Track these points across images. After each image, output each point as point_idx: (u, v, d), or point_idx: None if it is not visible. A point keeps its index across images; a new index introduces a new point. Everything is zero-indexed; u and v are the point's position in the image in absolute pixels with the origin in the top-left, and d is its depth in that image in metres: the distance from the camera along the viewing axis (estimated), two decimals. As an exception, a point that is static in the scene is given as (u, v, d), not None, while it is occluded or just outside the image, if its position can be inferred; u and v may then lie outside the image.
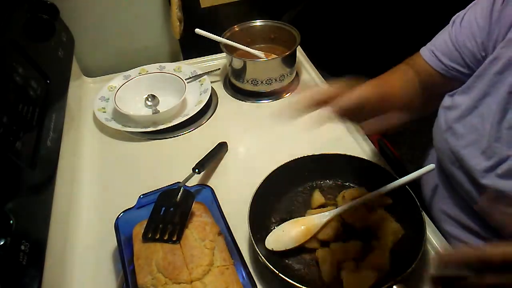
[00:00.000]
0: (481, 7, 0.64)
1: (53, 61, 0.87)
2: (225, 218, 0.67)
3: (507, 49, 0.58)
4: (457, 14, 0.69)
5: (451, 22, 0.70)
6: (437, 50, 0.71)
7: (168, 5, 1.10)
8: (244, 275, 0.60)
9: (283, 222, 0.69)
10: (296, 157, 0.75)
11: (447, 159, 0.74)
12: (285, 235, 0.66)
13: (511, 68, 0.58)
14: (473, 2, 0.68)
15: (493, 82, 0.60)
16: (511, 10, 0.59)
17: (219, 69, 1.13)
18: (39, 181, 0.64)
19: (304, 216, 0.70)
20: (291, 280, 0.57)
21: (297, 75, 1.10)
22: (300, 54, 1.16)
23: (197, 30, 0.98)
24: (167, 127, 0.92)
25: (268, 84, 1.01)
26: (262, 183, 0.71)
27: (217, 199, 0.70)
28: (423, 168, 0.66)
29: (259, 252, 0.62)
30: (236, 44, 1.02)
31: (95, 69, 1.16)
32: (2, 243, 0.50)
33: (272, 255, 0.65)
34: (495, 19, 0.61)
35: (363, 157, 0.76)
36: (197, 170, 0.76)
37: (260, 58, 1.03)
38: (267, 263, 0.60)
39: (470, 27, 0.65)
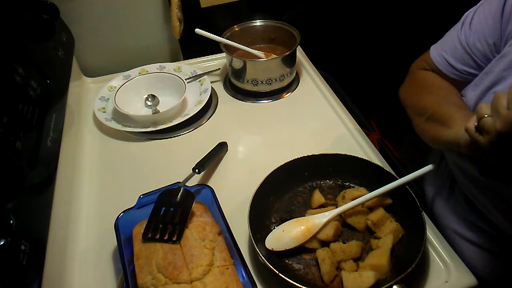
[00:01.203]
0: (490, 7, 0.63)
1: (53, 61, 0.87)
2: (225, 218, 0.67)
3: None
4: (466, 13, 0.68)
5: (460, 22, 0.69)
6: (448, 55, 0.70)
7: (168, 5, 1.10)
8: (244, 275, 0.60)
9: (283, 222, 0.69)
10: (296, 157, 0.75)
11: (453, 157, 0.74)
12: (285, 235, 0.66)
13: None
14: (481, 2, 0.67)
15: (500, 77, 0.60)
16: None
17: (219, 69, 1.13)
18: (39, 181, 0.64)
19: (304, 216, 0.70)
20: (291, 280, 0.57)
21: (297, 75, 1.10)
22: (300, 54, 1.16)
23: (197, 30, 0.98)
24: (167, 127, 0.92)
25: (268, 84, 1.01)
26: (262, 183, 0.71)
27: (217, 199, 0.70)
28: (423, 168, 0.66)
29: (259, 252, 0.62)
30: (236, 44, 1.02)
31: (95, 69, 1.16)
32: (2, 243, 0.50)
33: (272, 255, 0.65)
34: (506, 18, 0.60)
35: (363, 157, 0.76)
36: (197, 170, 0.76)
37: (260, 58, 1.03)
38: (267, 263, 0.60)
39: (481, 28, 0.64)
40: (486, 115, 0.47)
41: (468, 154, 0.55)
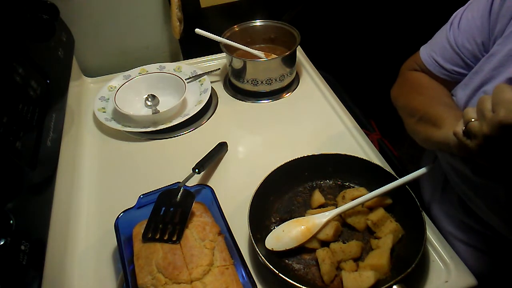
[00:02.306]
0: (478, 7, 0.64)
1: (53, 61, 0.87)
2: (225, 218, 0.67)
3: (504, 46, 0.58)
4: (454, 13, 0.69)
5: (449, 23, 0.69)
6: (437, 56, 0.70)
7: (168, 5, 1.10)
8: (244, 275, 0.60)
9: (283, 222, 0.69)
10: (296, 157, 0.75)
11: (446, 157, 0.74)
12: (285, 235, 0.66)
13: (508, 63, 0.58)
14: (469, 1, 0.67)
15: (490, 76, 0.60)
16: (509, 8, 0.59)
17: (219, 69, 1.13)
18: (39, 181, 0.64)
19: (304, 216, 0.70)
20: (291, 280, 0.57)
21: (297, 75, 1.10)
22: (300, 54, 1.16)
23: (197, 30, 0.98)
24: (167, 127, 0.92)
25: (268, 84, 1.01)
26: (262, 183, 0.71)
27: (217, 199, 0.70)
28: (417, 171, 0.66)
29: (259, 252, 0.62)
30: (236, 44, 1.02)
31: (95, 69, 1.16)
32: (2, 243, 0.50)
33: (272, 255, 0.65)
34: (494, 18, 0.61)
35: (363, 157, 0.76)
36: (197, 170, 0.76)
37: (260, 58, 1.03)
38: (267, 263, 0.60)
39: (469, 28, 0.65)
40: (472, 119, 0.47)
41: (458, 155, 0.55)
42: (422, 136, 0.65)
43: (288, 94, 1.05)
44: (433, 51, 0.71)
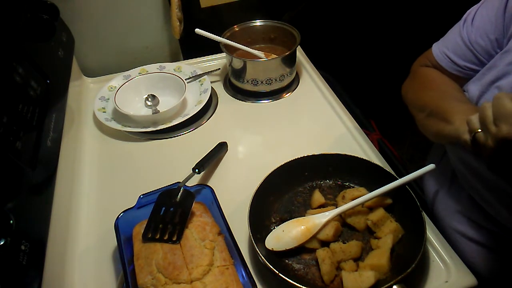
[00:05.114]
0: (493, 5, 0.65)
1: (53, 61, 0.87)
2: (225, 218, 0.67)
3: None
4: (468, 11, 0.70)
5: (462, 20, 0.70)
6: (450, 52, 0.71)
7: (168, 5, 1.10)
8: (244, 275, 0.60)
9: (283, 222, 0.69)
10: (296, 157, 0.75)
11: (457, 151, 0.74)
12: (285, 235, 0.66)
13: None
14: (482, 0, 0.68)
15: (504, 72, 0.61)
16: None
17: (219, 69, 1.13)
18: (39, 181, 0.64)
19: (304, 216, 0.70)
20: (291, 280, 0.57)
21: (297, 75, 1.10)
22: (300, 54, 1.16)
23: (197, 30, 0.98)
24: (167, 127, 0.92)
25: (268, 84, 1.01)
26: (262, 183, 0.71)
27: (217, 199, 0.70)
28: (423, 168, 0.66)
29: (259, 252, 0.62)
30: (236, 44, 1.02)
31: (95, 69, 1.16)
32: (2, 243, 0.50)
33: (272, 255, 0.65)
34: (510, 15, 0.61)
35: (363, 157, 0.76)
36: (197, 170, 0.76)
37: (260, 58, 1.03)
38: (267, 263, 0.60)
39: (483, 25, 0.66)
40: (478, 130, 0.48)
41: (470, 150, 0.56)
42: (433, 131, 0.66)
43: (288, 94, 1.05)
44: (445, 48, 0.72)
